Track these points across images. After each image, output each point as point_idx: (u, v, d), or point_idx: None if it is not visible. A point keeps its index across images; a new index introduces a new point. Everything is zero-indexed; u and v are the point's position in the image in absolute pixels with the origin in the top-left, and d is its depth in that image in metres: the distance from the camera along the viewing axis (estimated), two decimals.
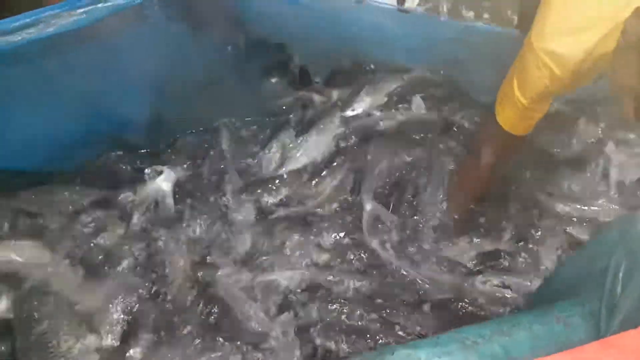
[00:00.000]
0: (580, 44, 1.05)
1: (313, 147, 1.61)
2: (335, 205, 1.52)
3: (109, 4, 1.24)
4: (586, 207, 1.51)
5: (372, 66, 1.77)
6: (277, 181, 1.56)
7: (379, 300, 1.33)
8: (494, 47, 1.48)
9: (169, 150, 1.64)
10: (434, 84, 1.74)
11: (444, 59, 1.67)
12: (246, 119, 1.71)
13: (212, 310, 1.30)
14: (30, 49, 1.21)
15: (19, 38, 1.18)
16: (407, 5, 1.76)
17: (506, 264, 1.42)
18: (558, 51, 1.08)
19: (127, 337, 1.25)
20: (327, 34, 1.62)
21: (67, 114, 1.43)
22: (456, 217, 1.49)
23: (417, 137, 1.65)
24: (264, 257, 1.40)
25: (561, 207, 1.52)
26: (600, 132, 1.64)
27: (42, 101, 1.37)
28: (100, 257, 1.37)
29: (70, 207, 1.44)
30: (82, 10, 1.22)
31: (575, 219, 1.50)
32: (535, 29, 1.12)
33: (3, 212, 1.40)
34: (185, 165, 1.59)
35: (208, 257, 1.41)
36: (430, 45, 1.62)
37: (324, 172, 1.57)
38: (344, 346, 1.23)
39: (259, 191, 1.53)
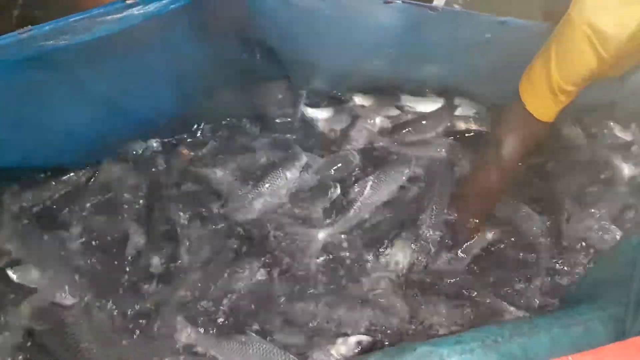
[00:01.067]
0: (624, 18, 1.00)
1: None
2: None
3: (142, 11, 1.26)
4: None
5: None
6: None
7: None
8: (529, 42, 1.34)
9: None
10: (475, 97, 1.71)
11: (477, 61, 1.54)
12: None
13: None
14: (63, 53, 1.24)
15: (53, 43, 1.20)
16: (435, 2, 1.60)
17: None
18: (600, 26, 1.02)
19: None
20: (346, 40, 1.54)
21: (96, 113, 1.48)
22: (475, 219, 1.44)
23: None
24: None
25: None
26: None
27: (73, 101, 1.41)
28: None
29: None
30: (115, 16, 1.24)
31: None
32: (576, 5, 1.05)
33: None
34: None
35: None
36: (462, 46, 1.50)
37: None
38: None
39: None
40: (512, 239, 1.49)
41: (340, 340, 1.28)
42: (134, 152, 1.65)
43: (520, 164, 1.34)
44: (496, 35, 1.42)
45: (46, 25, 1.17)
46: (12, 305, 1.33)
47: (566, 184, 1.58)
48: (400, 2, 1.36)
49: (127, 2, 1.19)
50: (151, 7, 1.25)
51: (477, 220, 1.44)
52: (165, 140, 1.69)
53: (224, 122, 1.73)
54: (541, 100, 1.18)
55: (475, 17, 1.41)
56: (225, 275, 1.39)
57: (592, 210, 1.51)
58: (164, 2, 1.24)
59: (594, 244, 1.46)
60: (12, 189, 1.52)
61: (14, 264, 1.39)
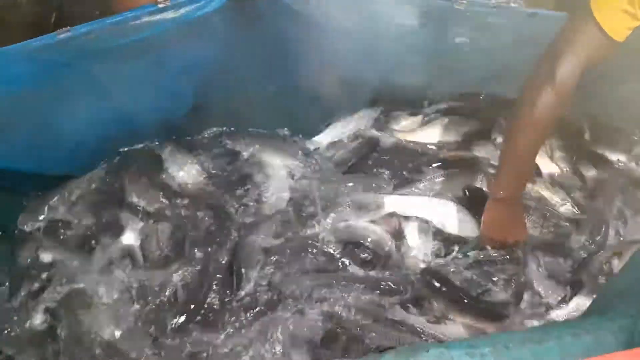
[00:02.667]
0: None
1: None
2: None
3: (173, 16, 1.27)
4: None
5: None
6: None
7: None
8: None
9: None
10: None
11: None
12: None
13: None
14: (93, 55, 1.29)
15: (89, 44, 1.24)
16: None
17: None
18: None
19: None
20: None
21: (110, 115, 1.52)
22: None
23: None
24: None
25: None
26: None
27: (92, 105, 1.46)
28: None
29: None
30: (144, 20, 1.25)
31: None
32: None
33: None
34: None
35: None
36: (491, 44, 1.44)
37: None
38: None
39: None
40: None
41: None
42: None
43: (575, 82, 1.17)
44: (526, 30, 1.35)
45: (82, 26, 1.22)
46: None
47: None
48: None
49: (160, 5, 1.22)
50: (182, 11, 1.28)
51: (527, 168, 1.32)
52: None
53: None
54: (616, 14, 1.07)
55: (503, 10, 1.37)
56: None
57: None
58: (193, 6, 1.28)
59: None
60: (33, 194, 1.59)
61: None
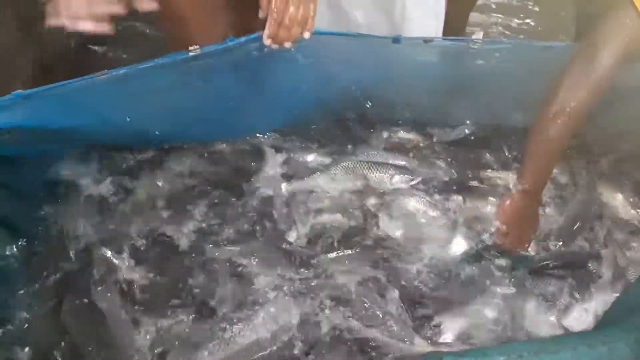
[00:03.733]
0: None
1: None
2: None
3: (201, 61, 1.26)
4: None
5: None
6: None
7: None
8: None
9: None
10: None
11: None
12: None
13: None
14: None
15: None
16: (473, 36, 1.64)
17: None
18: None
19: None
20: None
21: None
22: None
23: None
24: None
25: None
26: None
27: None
28: None
29: None
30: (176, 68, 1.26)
31: None
32: None
33: None
34: None
35: None
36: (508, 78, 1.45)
37: None
38: None
39: None
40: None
41: None
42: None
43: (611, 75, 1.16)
44: (541, 62, 1.36)
45: (121, 69, 1.22)
46: None
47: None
48: (439, 39, 1.36)
49: (191, 54, 1.23)
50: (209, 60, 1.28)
51: (553, 160, 1.31)
52: None
53: None
54: None
55: (517, 46, 1.39)
56: None
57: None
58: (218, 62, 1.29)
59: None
60: None
61: None
